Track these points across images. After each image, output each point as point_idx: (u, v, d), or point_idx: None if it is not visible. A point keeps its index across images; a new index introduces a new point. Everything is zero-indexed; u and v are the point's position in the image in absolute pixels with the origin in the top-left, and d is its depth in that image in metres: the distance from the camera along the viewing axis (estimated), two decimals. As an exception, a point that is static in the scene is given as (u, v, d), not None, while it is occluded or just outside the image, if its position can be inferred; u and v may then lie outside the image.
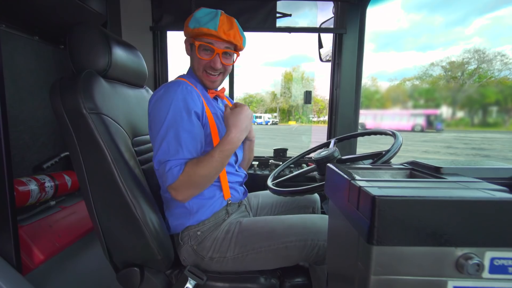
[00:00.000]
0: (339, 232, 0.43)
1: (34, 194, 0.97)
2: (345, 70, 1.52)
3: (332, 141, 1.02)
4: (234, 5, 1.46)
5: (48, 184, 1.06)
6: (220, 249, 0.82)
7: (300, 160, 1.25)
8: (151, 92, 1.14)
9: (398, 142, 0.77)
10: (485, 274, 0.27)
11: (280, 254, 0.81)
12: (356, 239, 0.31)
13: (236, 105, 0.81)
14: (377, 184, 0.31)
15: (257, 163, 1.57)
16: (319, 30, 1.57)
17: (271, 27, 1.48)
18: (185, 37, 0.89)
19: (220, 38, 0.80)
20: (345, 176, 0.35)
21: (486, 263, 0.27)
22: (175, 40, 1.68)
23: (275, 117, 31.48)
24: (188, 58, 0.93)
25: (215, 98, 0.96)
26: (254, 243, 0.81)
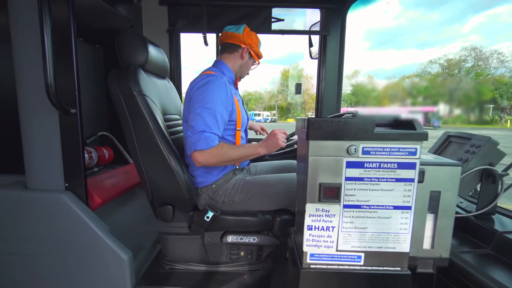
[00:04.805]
0: (300, 173, 0.73)
1: (87, 161, 1.28)
2: (329, 66, 1.83)
3: None
4: (236, 12, 1.76)
5: (94, 154, 1.37)
6: (229, 195, 1.13)
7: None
8: (171, 83, 1.44)
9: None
10: (359, 154, 0.58)
11: (273, 199, 1.12)
12: (306, 156, 0.61)
13: (274, 130, 1.08)
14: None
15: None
16: (308, 32, 1.87)
17: (267, 30, 1.78)
18: (245, 46, 1.18)
19: (261, 57, 1.28)
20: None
21: (360, 149, 0.58)
22: (187, 41, 1.97)
23: (274, 114, 31.73)
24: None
25: (237, 87, 1.30)
26: (254, 190, 1.13)
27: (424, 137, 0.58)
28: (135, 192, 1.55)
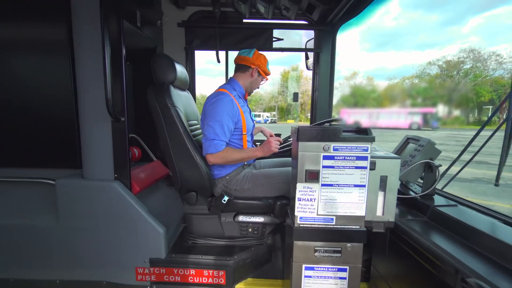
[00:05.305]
0: (294, 164, 1.04)
1: (124, 157, 1.59)
2: (322, 78, 2.15)
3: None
4: (242, 33, 2.09)
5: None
6: (240, 184, 1.44)
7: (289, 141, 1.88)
8: (190, 93, 1.75)
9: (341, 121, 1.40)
10: (331, 151, 0.89)
11: (274, 187, 1.44)
12: (297, 152, 0.92)
13: (269, 138, 1.41)
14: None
15: (259, 144, 2.19)
16: (304, 50, 2.20)
17: (269, 48, 2.10)
18: (254, 67, 1.49)
19: (269, 74, 1.59)
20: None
21: (331, 147, 0.89)
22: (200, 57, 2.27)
23: (274, 115, 32.02)
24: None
25: (246, 99, 1.62)
26: (260, 180, 1.44)
27: (372, 139, 0.90)
28: (158, 185, 1.86)
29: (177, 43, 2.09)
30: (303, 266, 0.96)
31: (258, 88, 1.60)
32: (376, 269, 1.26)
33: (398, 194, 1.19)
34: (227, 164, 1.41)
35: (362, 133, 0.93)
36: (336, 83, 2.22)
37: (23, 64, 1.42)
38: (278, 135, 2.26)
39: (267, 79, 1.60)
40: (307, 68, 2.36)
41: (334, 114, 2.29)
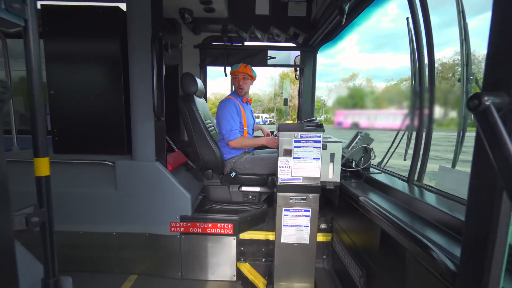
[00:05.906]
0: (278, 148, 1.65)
1: (159, 146, 2.19)
2: (306, 87, 2.76)
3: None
4: (243, 52, 2.70)
5: (160, 143, 2.29)
6: (243, 164, 2.05)
7: None
8: (204, 100, 2.36)
9: (316, 120, 2.00)
10: (299, 137, 1.50)
11: (267, 166, 2.04)
12: (279, 138, 1.52)
13: (271, 136, 2.04)
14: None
15: None
16: (291, 65, 2.81)
17: (264, 64, 2.71)
18: (231, 76, 2.11)
19: (238, 71, 2.08)
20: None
21: (299, 135, 1.49)
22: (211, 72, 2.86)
23: (273, 117, 32.61)
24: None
25: (246, 102, 2.20)
26: (257, 161, 2.05)
27: (322, 131, 1.49)
28: (179, 169, 2.46)
29: (193, 61, 2.70)
30: (283, 208, 1.56)
31: (241, 88, 2.10)
32: (337, 222, 1.86)
33: (348, 168, 1.79)
34: (243, 147, 2.03)
35: (318, 127, 1.53)
36: (332, 85, 2.82)
37: (87, 74, 2.00)
38: (272, 131, 2.87)
39: (235, 76, 2.08)
40: (296, 78, 2.97)
41: (331, 116, 2.88)
